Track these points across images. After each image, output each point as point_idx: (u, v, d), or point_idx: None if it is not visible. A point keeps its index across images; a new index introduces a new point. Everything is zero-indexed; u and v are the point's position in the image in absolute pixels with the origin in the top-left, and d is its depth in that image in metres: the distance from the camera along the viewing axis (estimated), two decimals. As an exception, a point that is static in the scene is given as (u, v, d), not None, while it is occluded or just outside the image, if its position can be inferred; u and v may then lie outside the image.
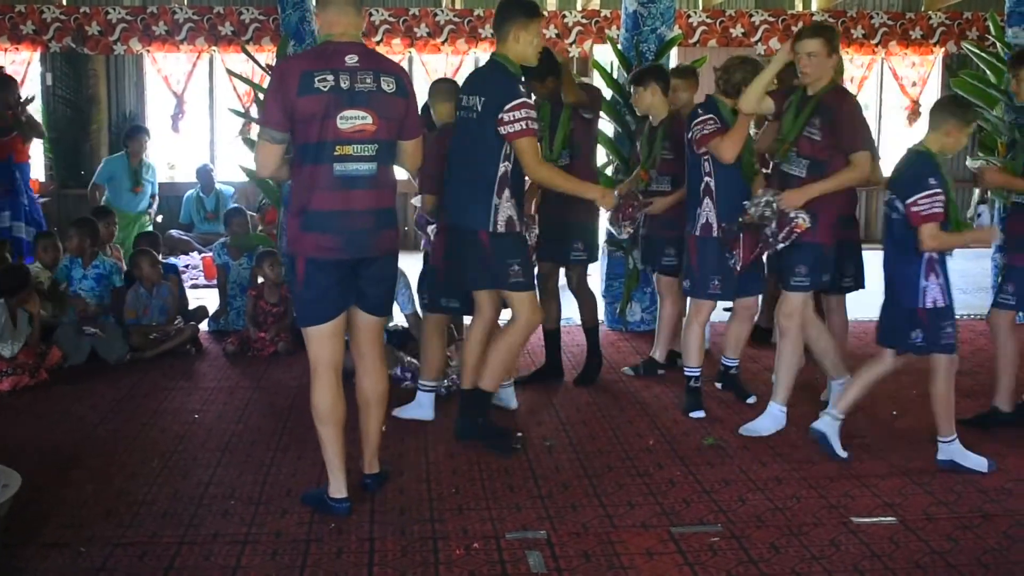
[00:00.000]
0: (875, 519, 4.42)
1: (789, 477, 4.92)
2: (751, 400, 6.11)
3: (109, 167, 11.25)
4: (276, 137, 4.27)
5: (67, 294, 7.42)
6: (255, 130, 10.39)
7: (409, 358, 6.61)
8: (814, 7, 13.61)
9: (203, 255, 11.10)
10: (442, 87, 5.96)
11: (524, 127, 4.97)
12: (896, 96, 13.89)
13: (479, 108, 5.06)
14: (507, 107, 4.97)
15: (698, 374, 5.94)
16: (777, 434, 5.54)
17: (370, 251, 4.37)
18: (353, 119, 4.23)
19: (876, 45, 13.37)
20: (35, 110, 12.95)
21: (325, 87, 4.19)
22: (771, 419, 5.61)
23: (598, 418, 5.86)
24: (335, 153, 4.24)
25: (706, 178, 5.69)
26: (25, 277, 6.81)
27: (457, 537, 4.23)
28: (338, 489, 4.49)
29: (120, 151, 11.53)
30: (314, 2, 8.03)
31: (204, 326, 8.01)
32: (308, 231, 4.29)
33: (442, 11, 12.89)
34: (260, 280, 7.73)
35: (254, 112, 9.85)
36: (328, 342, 4.43)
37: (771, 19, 13.16)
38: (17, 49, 12.54)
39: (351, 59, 4.26)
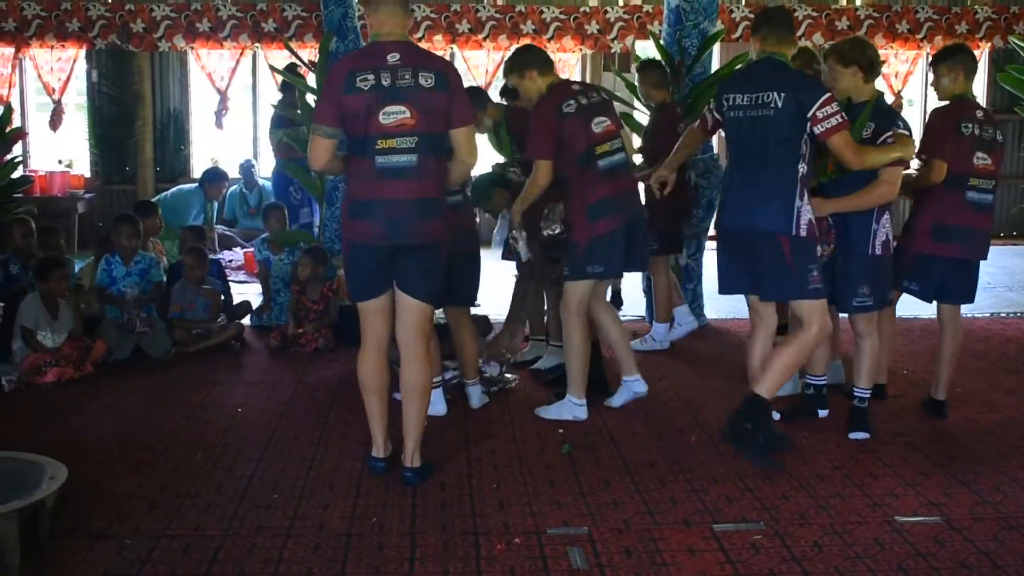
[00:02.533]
0: (919, 518, 4.38)
1: (832, 475, 4.89)
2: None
3: (182, 199, 11.23)
4: (327, 132, 4.61)
5: (106, 294, 7.42)
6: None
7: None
8: (858, 1, 13.49)
9: (245, 250, 11.15)
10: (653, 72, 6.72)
11: (838, 121, 4.91)
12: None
13: (778, 105, 4.92)
14: (818, 104, 4.90)
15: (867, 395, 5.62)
16: (819, 432, 5.50)
17: (411, 238, 4.60)
18: (394, 114, 4.49)
19: (921, 40, 13.21)
20: (80, 106, 13.12)
21: (367, 86, 4.48)
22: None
23: (639, 414, 5.84)
24: (377, 146, 4.52)
25: None
26: (55, 263, 6.87)
27: (498, 532, 4.23)
28: (376, 449, 4.92)
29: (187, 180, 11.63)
30: (358, 2, 8.07)
31: (247, 321, 8.06)
32: (354, 218, 4.66)
33: (484, 7, 12.88)
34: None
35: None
36: (372, 317, 4.80)
37: (814, 14, 13.04)
38: (63, 47, 12.65)
39: (393, 57, 4.53)
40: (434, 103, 4.55)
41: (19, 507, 3.79)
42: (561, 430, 5.52)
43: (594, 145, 5.53)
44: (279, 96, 10.19)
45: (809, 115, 4.88)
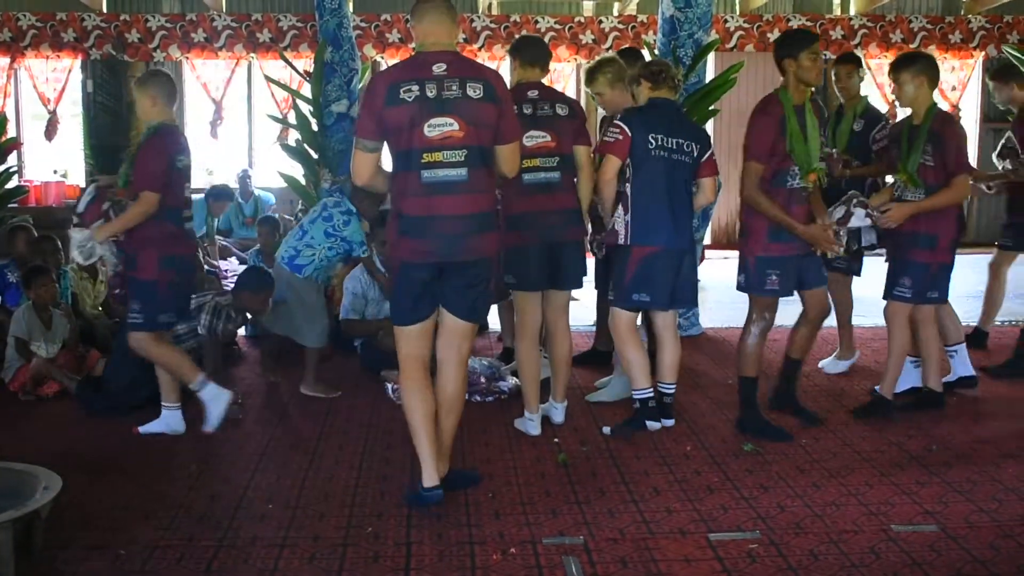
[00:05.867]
0: (916, 527, 4.36)
1: (828, 484, 4.89)
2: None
3: None
4: (368, 146, 4.44)
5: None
6: (293, 136, 10.51)
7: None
8: (852, 11, 13.54)
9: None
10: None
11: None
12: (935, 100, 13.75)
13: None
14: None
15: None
16: (816, 441, 5.50)
17: (460, 255, 4.43)
18: (440, 126, 4.32)
19: (915, 49, 13.27)
20: (75, 116, 13.13)
21: (410, 97, 4.31)
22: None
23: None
24: (422, 160, 4.34)
25: None
26: (39, 271, 6.89)
27: (494, 542, 4.22)
28: (429, 478, 4.54)
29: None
30: (353, 12, 8.08)
31: (242, 331, 8.05)
32: (402, 236, 4.43)
33: (479, 17, 12.91)
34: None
35: (292, 118, 9.91)
36: (415, 341, 4.56)
37: (808, 23, 13.08)
38: (59, 56, 12.67)
39: (439, 68, 4.36)
40: (483, 115, 4.39)
41: (13, 517, 3.78)
42: (556, 439, 5.52)
43: (522, 158, 5.19)
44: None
45: None
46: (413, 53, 4.53)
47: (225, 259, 11.66)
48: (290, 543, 4.22)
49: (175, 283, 5.54)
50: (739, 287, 5.69)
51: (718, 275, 11.02)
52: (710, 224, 8.64)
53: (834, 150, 6.47)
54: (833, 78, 6.87)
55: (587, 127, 5.68)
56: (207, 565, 4.01)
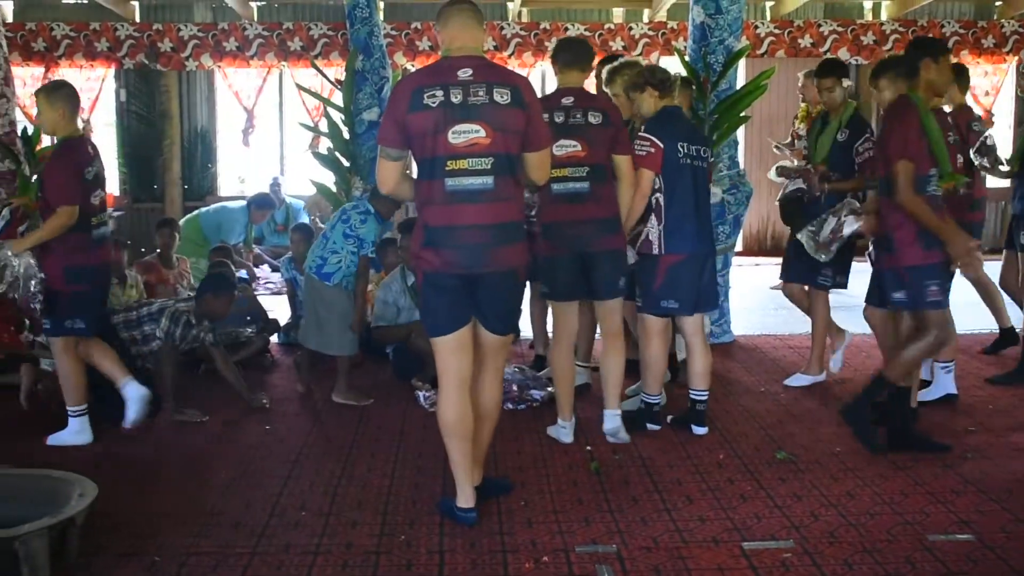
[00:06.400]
0: (951, 536, 4.33)
1: (862, 493, 4.86)
2: None
3: (228, 217, 11.12)
4: (391, 154, 4.36)
5: None
6: (324, 143, 10.55)
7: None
8: (883, 17, 13.46)
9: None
10: (688, 90, 6.58)
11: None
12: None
13: None
14: None
15: None
16: (850, 450, 5.47)
17: (486, 266, 4.31)
18: (466, 133, 4.21)
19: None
20: (109, 125, 13.24)
21: (434, 103, 4.19)
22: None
23: (667, 431, 5.82)
24: (447, 168, 4.23)
25: None
26: None
27: (526, 550, 4.22)
28: (465, 500, 4.50)
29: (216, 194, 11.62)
30: (383, 20, 8.10)
31: (275, 339, 8.09)
32: (426, 246, 4.33)
33: (508, 24, 12.92)
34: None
35: (323, 126, 9.96)
36: (451, 355, 4.41)
37: (840, 29, 13.04)
38: (92, 66, 12.78)
39: (464, 73, 4.24)
40: (511, 121, 4.26)
41: (49, 524, 3.81)
42: (589, 447, 5.51)
43: (553, 167, 5.15)
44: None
45: None
46: (440, 58, 4.44)
47: (257, 266, 11.73)
48: (323, 550, 4.23)
49: (80, 292, 5.63)
50: (900, 304, 5.45)
51: (750, 282, 10.99)
52: (741, 231, 8.59)
53: (809, 165, 6.46)
54: (815, 89, 6.65)
55: (625, 134, 5.51)
56: (241, 572, 4.03)
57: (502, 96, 4.24)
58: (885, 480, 5.02)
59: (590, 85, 6.36)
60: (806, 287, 6.69)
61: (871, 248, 5.68)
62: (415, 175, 4.44)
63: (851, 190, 6.25)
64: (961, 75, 6.88)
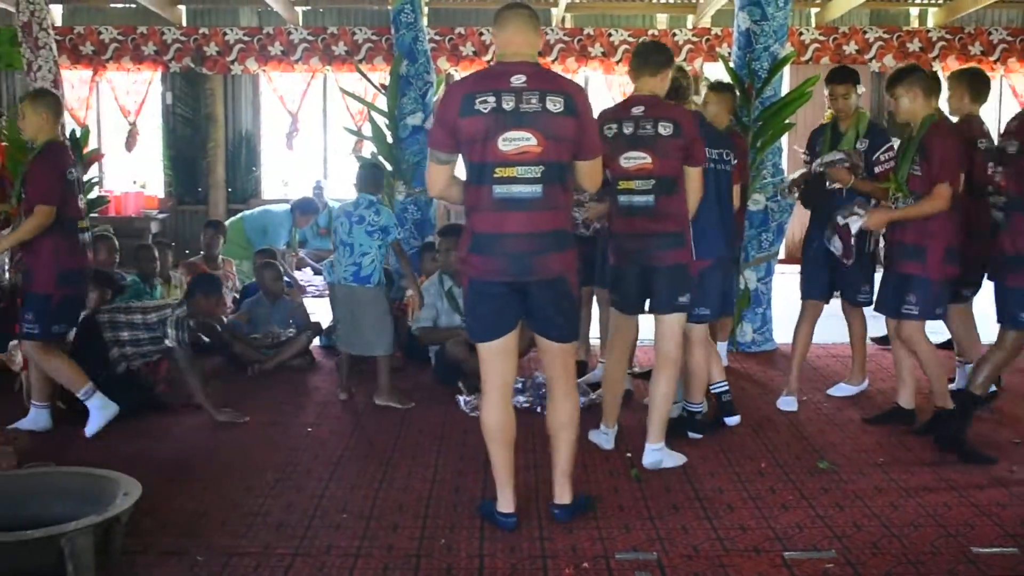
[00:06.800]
0: (996, 549, 4.28)
1: (905, 504, 4.81)
2: None
3: (273, 221, 11.06)
4: (441, 158, 4.32)
5: None
6: (367, 148, 10.60)
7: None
8: (930, 23, 13.36)
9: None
10: (729, 94, 6.48)
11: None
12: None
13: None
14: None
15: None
16: (893, 460, 5.43)
17: (533, 274, 4.27)
18: (516, 140, 4.16)
19: (995, 62, 13.04)
20: (155, 128, 13.37)
21: (486, 109, 4.15)
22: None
23: (707, 440, 5.79)
24: (495, 175, 4.19)
25: None
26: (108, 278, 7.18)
27: (567, 556, 4.21)
28: (505, 504, 4.51)
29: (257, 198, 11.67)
30: (428, 25, 8.12)
31: (317, 342, 8.13)
32: (473, 253, 4.32)
33: (552, 30, 12.93)
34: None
35: (366, 130, 10.01)
36: (494, 361, 4.41)
37: (886, 36, 12.95)
38: (139, 69, 12.92)
39: (518, 79, 4.18)
40: (563, 129, 4.19)
41: (95, 522, 3.84)
42: (629, 454, 5.49)
43: (618, 179, 5.22)
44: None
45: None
46: (494, 62, 4.39)
47: (300, 269, 11.80)
48: (364, 553, 4.25)
49: (68, 296, 5.78)
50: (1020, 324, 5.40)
51: (793, 289, 10.90)
52: (784, 238, 8.54)
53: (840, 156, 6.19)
54: (828, 96, 6.39)
55: (700, 142, 5.25)
56: (283, 573, 4.05)
57: (555, 104, 4.18)
58: (929, 492, 4.97)
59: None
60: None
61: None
62: (464, 181, 4.41)
63: (873, 193, 6.07)
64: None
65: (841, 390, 6.76)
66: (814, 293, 6.54)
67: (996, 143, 5.96)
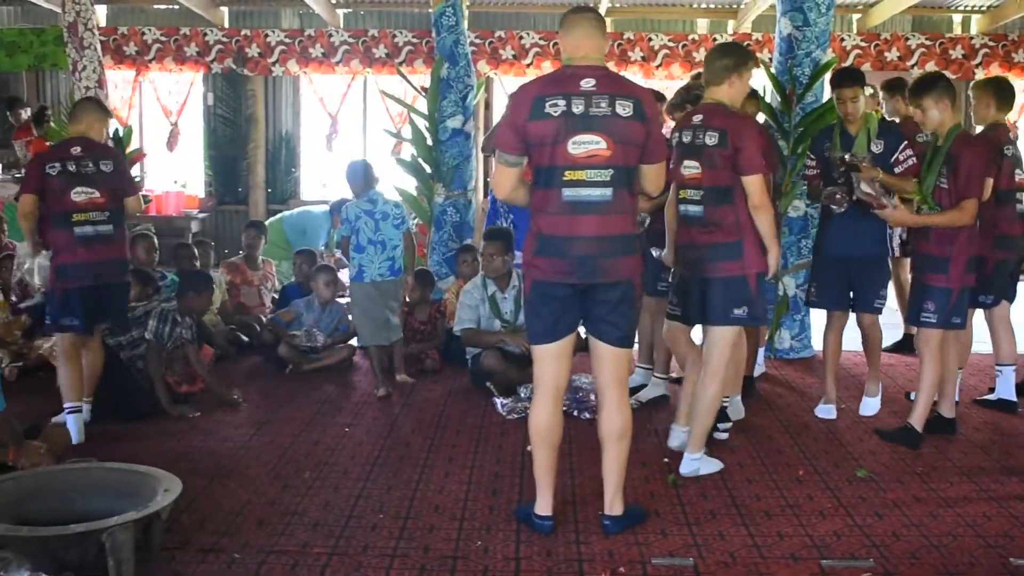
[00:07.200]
0: (1036, 561, 4.25)
1: (944, 514, 4.78)
2: None
3: (313, 222, 10.96)
4: (510, 160, 4.31)
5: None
6: (406, 150, 10.63)
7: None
8: (973, 30, 13.24)
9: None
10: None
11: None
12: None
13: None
14: None
15: None
16: (932, 470, 5.39)
17: (600, 277, 4.28)
18: (586, 144, 4.17)
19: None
20: (196, 128, 13.46)
21: (556, 112, 4.17)
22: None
23: (745, 446, 5.78)
24: (564, 178, 4.21)
25: None
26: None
27: (603, 560, 4.21)
28: (543, 507, 4.52)
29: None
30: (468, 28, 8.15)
31: (354, 342, 8.16)
32: (539, 255, 4.33)
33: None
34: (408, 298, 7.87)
35: (406, 132, 10.04)
36: (549, 363, 4.43)
37: (928, 43, 12.83)
38: (181, 70, 13.01)
39: (587, 83, 4.19)
40: (631, 133, 4.21)
41: (135, 518, 3.88)
42: (667, 459, 5.48)
43: (678, 188, 5.25)
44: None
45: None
46: (561, 66, 4.37)
47: (338, 270, 11.82)
48: (401, 553, 4.26)
49: (69, 289, 5.82)
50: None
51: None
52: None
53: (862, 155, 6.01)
54: (836, 100, 6.25)
55: (753, 150, 5.00)
56: (320, 572, 4.07)
57: (624, 108, 4.19)
58: (968, 502, 4.93)
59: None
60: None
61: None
62: (531, 183, 4.41)
63: (901, 188, 5.85)
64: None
65: (870, 407, 6.54)
66: (834, 304, 6.37)
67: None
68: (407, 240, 7.09)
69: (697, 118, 5.13)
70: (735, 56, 5.17)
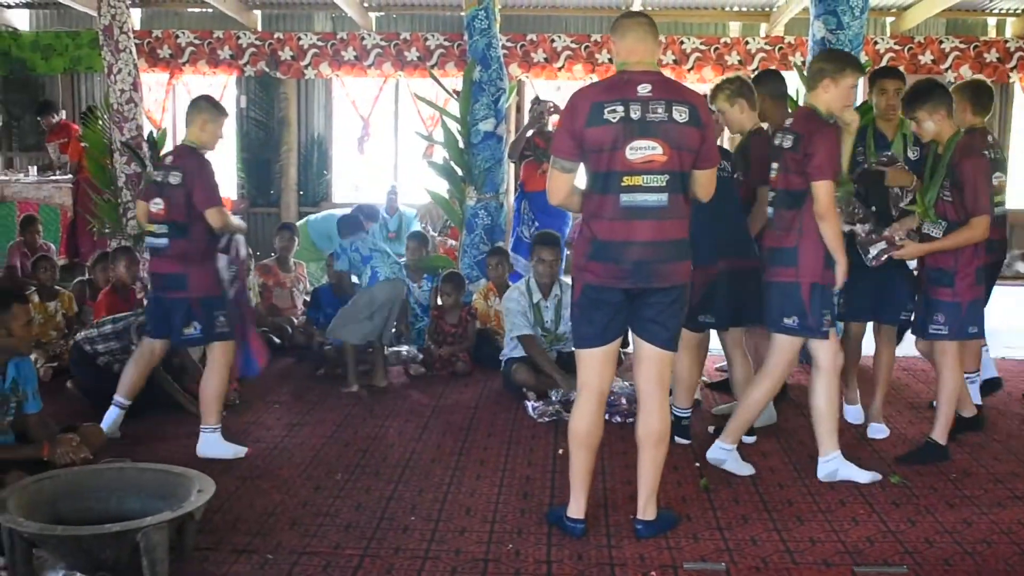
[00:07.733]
0: (1073, 569, 4.21)
1: (979, 521, 4.75)
2: None
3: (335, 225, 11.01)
4: (566, 166, 4.32)
5: None
6: (438, 153, 10.65)
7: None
8: (1008, 33, 13.14)
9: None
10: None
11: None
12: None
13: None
14: None
15: None
16: (966, 476, 5.35)
17: (654, 282, 4.29)
18: (643, 149, 4.18)
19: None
20: (229, 131, 13.52)
21: (615, 118, 4.17)
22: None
23: (778, 451, 5.76)
24: (622, 183, 4.21)
25: None
26: None
27: (634, 564, 4.21)
28: (576, 510, 4.52)
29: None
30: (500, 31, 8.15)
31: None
32: (593, 259, 4.32)
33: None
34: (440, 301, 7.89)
35: (437, 135, 10.06)
36: (595, 367, 4.44)
37: (962, 46, 12.75)
38: (214, 73, 13.09)
39: (644, 89, 4.20)
40: (688, 139, 4.23)
41: (169, 518, 3.91)
42: (698, 464, 5.47)
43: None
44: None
45: None
46: (616, 71, 4.37)
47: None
48: (432, 555, 4.28)
49: (148, 297, 6.14)
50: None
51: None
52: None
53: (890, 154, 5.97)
54: (875, 94, 6.15)
55: (823, 157, 4.92)
56: (352, 574, 4.09)
57: (680, 114, 4.20)
58: (1003, 509, 4.90)
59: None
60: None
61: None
62: (586, 188, 4.39)
63: (910, 185, 5.76)
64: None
65: (877, 431, 6.22)
66: (861, 315, 6.26)
67: None
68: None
69: (788, 122, 5.18)
70: (833, 62, 5.15)
